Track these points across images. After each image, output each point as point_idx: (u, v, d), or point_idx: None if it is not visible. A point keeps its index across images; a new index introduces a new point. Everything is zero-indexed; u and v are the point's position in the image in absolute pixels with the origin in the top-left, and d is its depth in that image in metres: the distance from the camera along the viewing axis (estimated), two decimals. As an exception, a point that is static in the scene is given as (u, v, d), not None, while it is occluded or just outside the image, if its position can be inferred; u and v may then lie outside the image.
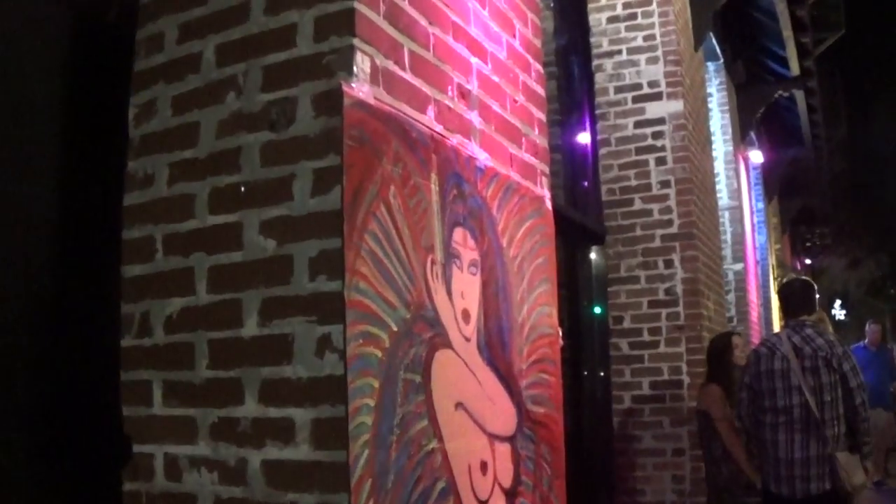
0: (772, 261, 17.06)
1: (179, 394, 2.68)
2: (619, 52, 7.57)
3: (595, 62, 7.62)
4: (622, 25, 7.58)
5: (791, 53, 12.79)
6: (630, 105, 7.48)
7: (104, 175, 2.94)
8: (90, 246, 2.94)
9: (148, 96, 2.90)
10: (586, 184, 7.54)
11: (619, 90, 7.54)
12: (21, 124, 2.78)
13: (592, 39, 7.64)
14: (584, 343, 7.14)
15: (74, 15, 2.99)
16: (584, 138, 7.62)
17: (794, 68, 13.37)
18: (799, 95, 14.33)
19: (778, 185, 17.83)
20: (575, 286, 7.14)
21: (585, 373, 7.13)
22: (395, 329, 2.58)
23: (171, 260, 2.75)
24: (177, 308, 2.71)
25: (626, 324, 7.18)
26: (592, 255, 7.43)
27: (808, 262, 28.44)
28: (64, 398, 2.79)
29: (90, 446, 2.82)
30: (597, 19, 7.64)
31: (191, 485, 2.64)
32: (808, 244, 26.92)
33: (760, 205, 16.74)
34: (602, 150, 7.48)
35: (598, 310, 7.39)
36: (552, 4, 7.33)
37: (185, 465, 2.66)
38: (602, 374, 7.28)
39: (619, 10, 7.59)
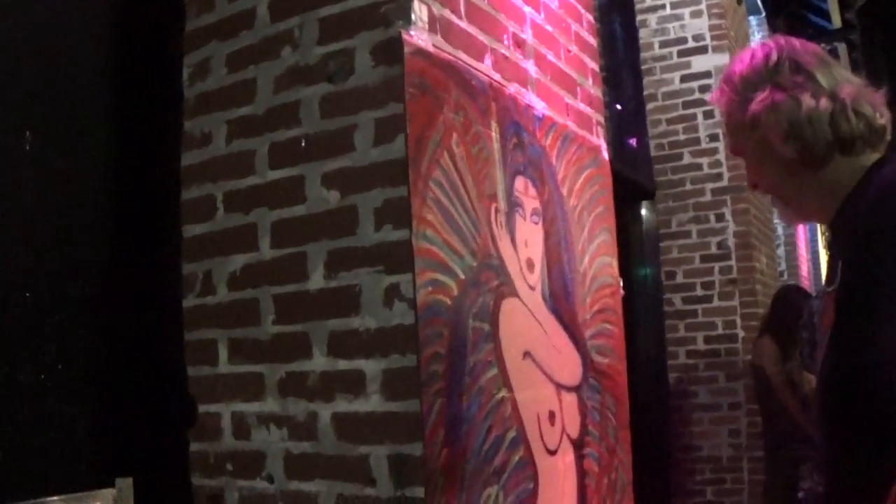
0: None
1: (245, 351, 2.68)
2: (663, 6, 7.50)
3: (639, 17, 7.55)
4: (665, -21, 7.52)
5: (833, 6, 12.61)
6: (675, 59, 7.41)
7: (160, 136, 2.92)
8: (150, 208, 2.93)
9: (201, 55, 2.88)
10: (635, 140, 7.47)
11: (663, 45, 7.47)
12: (74, 87, 2.77)
13: (636, -6, 7.58)
14: (637, 299, 7.10)
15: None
16: (630, 94, 7.55)
17: (836, 21, 13.20)
18: (842, 48, 14.14)
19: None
20: (626, 242, 7.09)
21: (640, 328, 7.09)
22: (462, 277, 2.56)
23: (233, 217, 2.73)
24: (239, 265, 2.70)
25: (679, 279, 7.14)
26: (643, 211, 7.38)
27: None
28: (128, 359, 2.78)
29: (156, 407, 2.82)
30: (639, -26, 7.57)
31: (259, 442, 2.64)
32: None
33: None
34: (649, 106, 7.42)
35: (650, 266, 7.34)
36: (595, -41, 7.27)
37: (254, 423, 2.65)
38: (656, 329, 7.24)
39: (662, -36, 7.52)
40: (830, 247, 2.20)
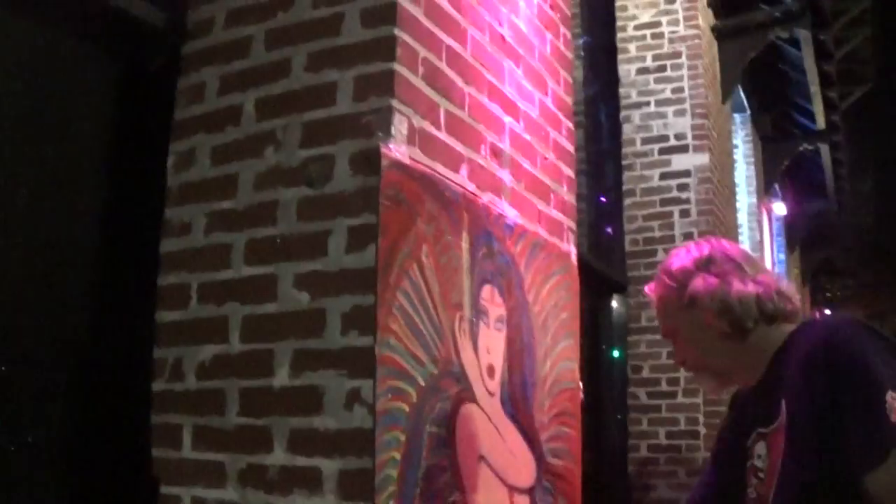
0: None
1: (209, 439, 2.74)
2: (648, 103, 7.65)
3: (623, 113, 7.69)
4: (651, 77, 7.67)
5: (818, 107, 12.83)
6: (656, 156, 7.55)
7: (142, 221, 3.01)
8: (126, 291, 3.01)
9: (187, 145, 2.98)
10: (610, 233, 7.59)
11: (645, 141, 7.61)
12: (63, 170, 2.87)
13: (621, 90, 7.72)
14: (603, 391, 7.18)
15: (118, 66, 3.08)
16: (609, 188, 7.69)
17: (821, 122, 13.42)
18: (824, 149, 14.36)
19: (800, 237, 17.85)
20: (596, 334, 7.19)
21: (603, 420, 7.16)
22: (422, 384, 2.65)
23: (206, 308, 2.81)
24: (209, 355, 2.78)
25: (645, 373, 7.21)
26: (614, 304, 7.48)
27: (827, 313, 28.31)
28: (96, 437, 2.85)
29: (120, 486, 2.88)
30: (626, 70, 7.73)
31: (218, 529, 2.70)
32: (828, 295, 26.85)
33: (782, 256, 16.77)
34: (627, 201, 7.54)
35: (617, 357, 7.43)
36: (582, 54, 7.43)
37: (213, 510, 2.72)
38: (620, 421, 7.31)
39: (649, 62, 7.68)
40: (758, 395, 2.45)
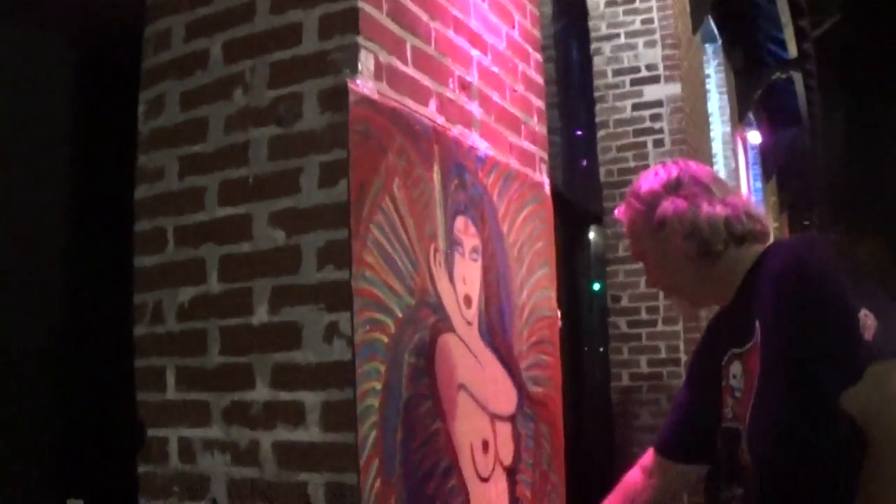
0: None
1: (192, 379, 2.78)
2: (618, 35, 7.66)
3: (593, 45, 7.71)
4: (620, 9, 7.68)
5: (789, 36, 12.86)
6: (628, 88, 7.58)
7: (116, 170, 3.03)
8: (103, 241, 3.03)
9: (156, 92, 2.98)
10: (585, 165, 7.63)
11: (617, 73, 7.63)
12: (29, 152, 2.89)
13: (590, 23, 7.72)
14: (583, 322, 7.25)
15: (79, 54, 3.09)
16: (582, 121, 7.71)
17: (792, 51, 13.45)
18: (797, 77, 14.40)
19: (776, 165, 17.91)
20: (574, 266, 7.24)
21: (584, 351, 7.23)
22: (400, 315, 2.69)
23: (183, 251, 2.84)
24: (188, 297, 2.81)
25: (625, 303, 7.28)
26: (591, 235, 7.53)
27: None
28: (82, 385, 2.89)
29: (107, 430, 2.92)
30: (595, 3, 7.73)
31: (204, 466, 2.74)
32: (805, 223, 26.96)
33: (758, 184, 16.84)
34: (600, 133, 7.57)
35: (597, 289, 7.48)
36: (550, -12, 7.42)
37: (199, 448, 2.75)
38: (601, 351, 7.38)
39: (618, -6, 7.68)
40: (730, 316, 2.49)
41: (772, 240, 2.51)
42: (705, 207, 2.42)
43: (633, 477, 2.90)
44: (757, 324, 2.33)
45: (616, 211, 2.71)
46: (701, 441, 2.65)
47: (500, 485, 3.20)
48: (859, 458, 2.07)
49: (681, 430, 2.79)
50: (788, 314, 2.21)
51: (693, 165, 2.58)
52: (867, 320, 2.06)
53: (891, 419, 2.04)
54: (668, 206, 2.46)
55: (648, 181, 2.56)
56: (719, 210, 2.42)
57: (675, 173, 2.52)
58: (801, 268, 2.22)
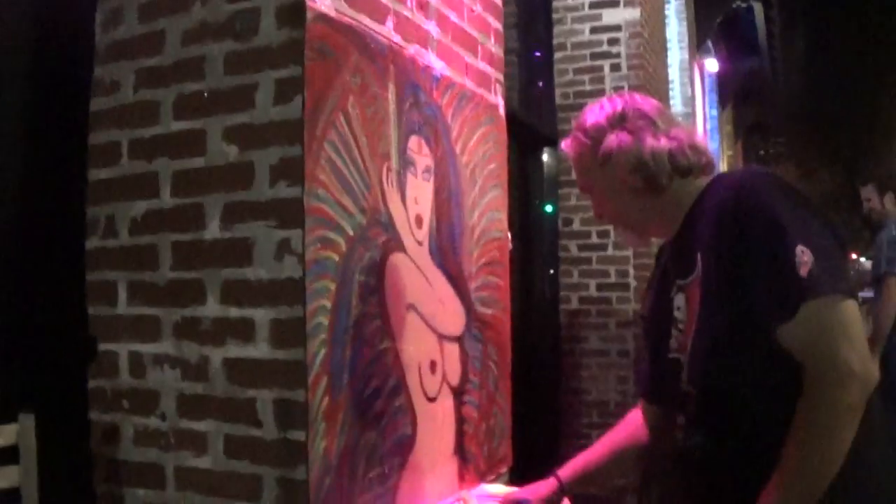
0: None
1: (143, 294, 2.79)
2: (577, -44, 7.60)
3: (553, -33, 7.65)
4: (580, -69, 7.61)
5: (749, -38, 12.83)
6: (587, 11, 7.52)
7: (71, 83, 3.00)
8: (56, 153, 3.01)
9: (114, 4, 2.94)
10: (541, 87, 7.61)
11: (575, -5, 7.59)
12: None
13: (551, -56, 7.66)
14: (534, 244, 7.27)
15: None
16: (539, 42, 7.68)
17: (752, -22, 13.43)
18: (757, 7, 14.39)
19: (733, 93, 17.95)
20: (527, 188, 7.25)
21: (535, 273, 7.27)
22: (351, 234, 2.70)
23: (136, 164, 2.82)
24: (141, 211, 2.80)
25: (576, 226, 7.30)
26: (545, 157, 7.53)
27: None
28: (34, 299, 2.88)
29: (58, 344, 2.92)
30: (554, -75, 7.66)
31: (154, 381, 2.76)
32: (761, 153, 27.13)
33: (714, 112, 16.88)
34: (557, 55, 7.53)
35: (549, 211, 7.50)
36: None
37: (149, 363, 2.77)
38: (551, 274, 7.42)
39: (577, -85, 7.62)
40: (675, 248, 2.52)
41: (716, 172, 2.54)
42: (649, 141, 2.44)
43: (636, 415, 2.92)
44: (698, 256, 2.36)
45: (562, 144, 2.73)
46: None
47: (446, 404, 3.25)
48: (796, 391, 2.11)
49: (649, 369, 2.82)
50: (726, 247, 2.25)
51: (638, 98, 2.59)
52: (804, 256, 2.09)
53: (820, 358, 2.09)
54: (612, 140, 2.48)
55: (594, 115, 2.58)
56: (664, 143, 2.45)
57: (619, 106, 2.53)
58: (739, 201, 2.24)
